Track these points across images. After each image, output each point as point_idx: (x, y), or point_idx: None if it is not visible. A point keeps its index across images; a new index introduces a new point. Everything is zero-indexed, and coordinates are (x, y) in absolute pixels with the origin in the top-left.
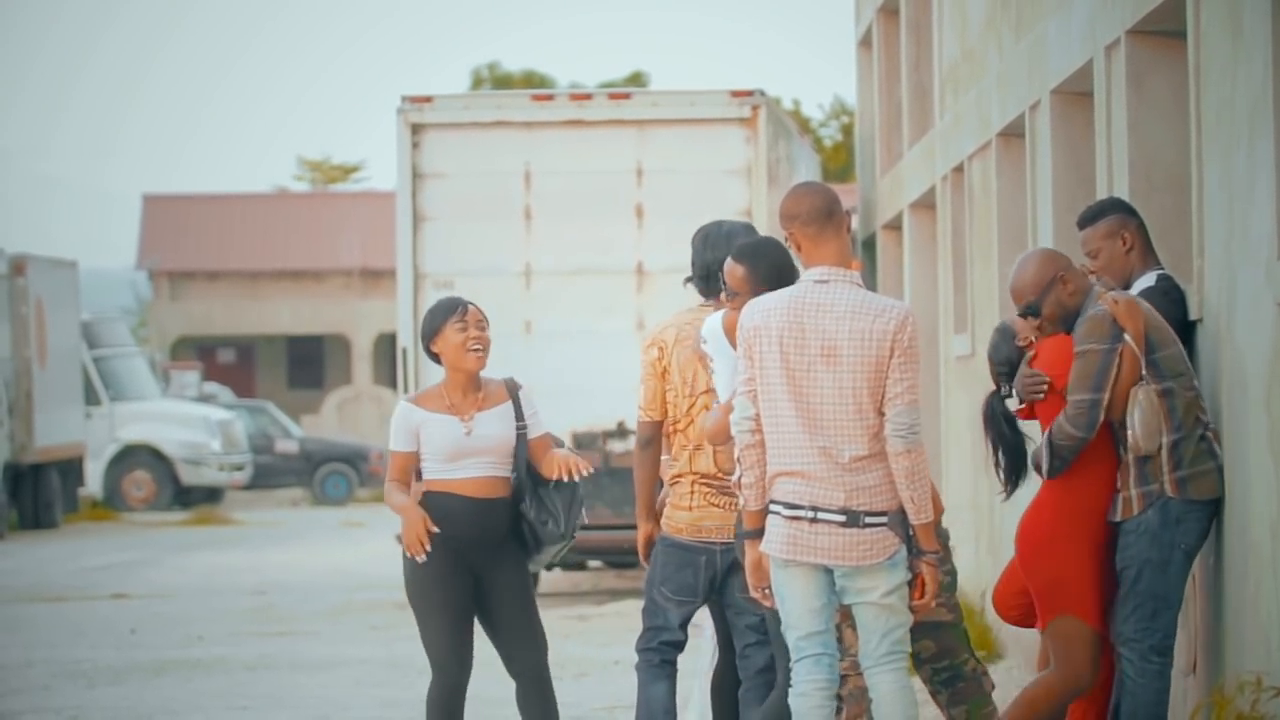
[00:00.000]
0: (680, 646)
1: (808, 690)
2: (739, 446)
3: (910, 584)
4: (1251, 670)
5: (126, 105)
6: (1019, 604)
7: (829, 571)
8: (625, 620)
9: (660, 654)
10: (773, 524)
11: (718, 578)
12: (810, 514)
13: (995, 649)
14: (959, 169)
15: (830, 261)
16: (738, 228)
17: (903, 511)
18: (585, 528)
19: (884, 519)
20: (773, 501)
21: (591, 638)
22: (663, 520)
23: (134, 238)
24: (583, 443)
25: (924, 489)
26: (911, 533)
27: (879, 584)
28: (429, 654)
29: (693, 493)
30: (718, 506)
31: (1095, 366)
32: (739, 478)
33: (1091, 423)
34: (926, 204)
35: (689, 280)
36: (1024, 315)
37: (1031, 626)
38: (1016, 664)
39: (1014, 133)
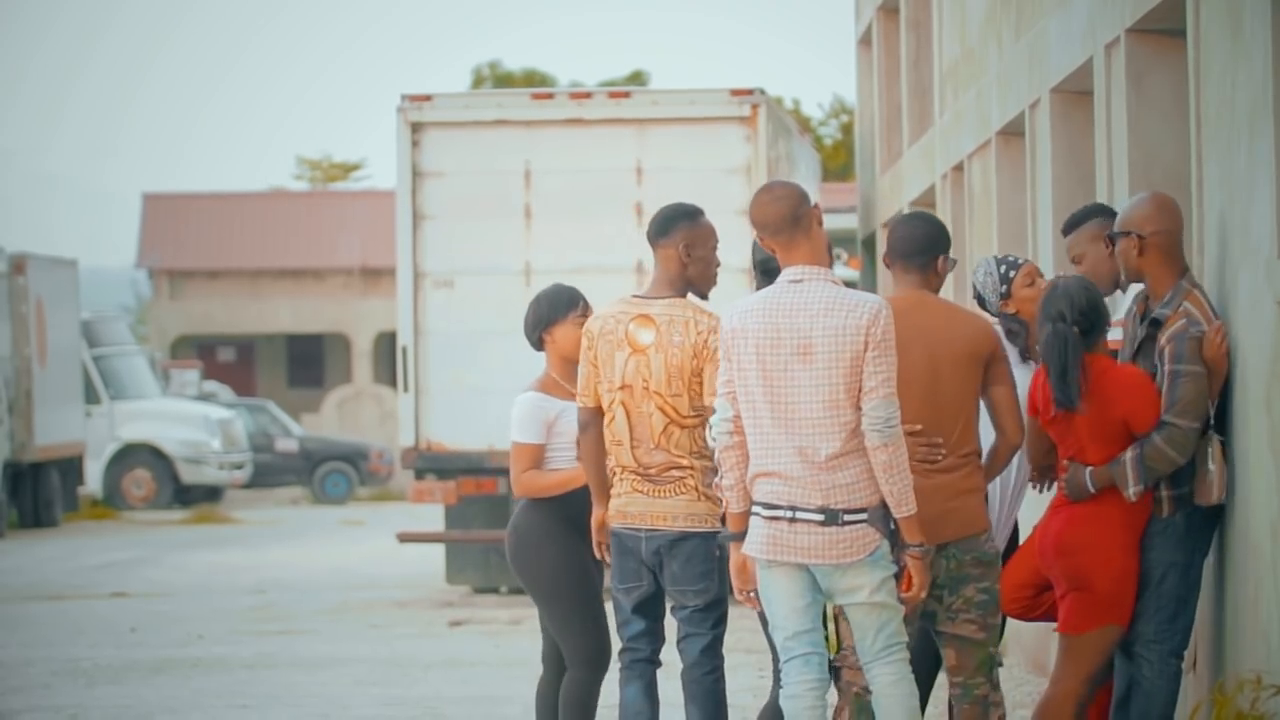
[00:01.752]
0: (649, 638)
1: (799, 691)
2: (719, 449)
3: (897, 577)
4: (1251, 669)
5: (126, 104)
6: (1020, 597)
7: (811, 570)
8: None
9: (631, 654)
10: (754, 525)
11: (648, 563)
12: (789, 514)
13: None
14: (958, 168)
15: (804, 262)
16: None
17: (883, 506)
18: None
19: (863, 515)
20: (754, 503)
21: None
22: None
23: (134, 236)
24: None
25: (904, 482)
26: (894, 526)
27: (864, 582)
28: (578, 646)
29: (620, 480)
30: (642, 493)
31: (1200, 394)
32: (720, 479)
33: (1192, 449)
34: (926, 202)
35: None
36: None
37: (1032, 619)
38: (1017, 661)
39: (1013, 131)
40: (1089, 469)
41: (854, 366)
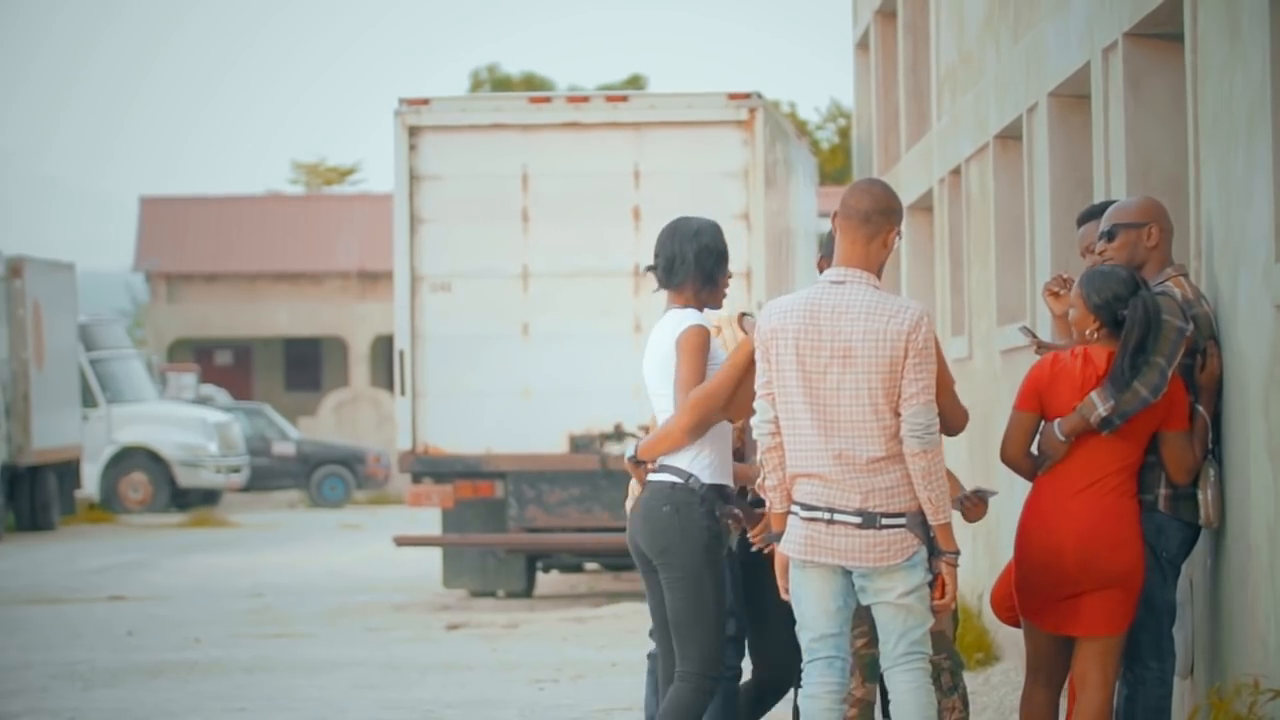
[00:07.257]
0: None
1: (818, 693)
2: (760, 449)
3: (931, 585)
4: (1249, 673)
5: (124, 107)
6: (1013, 605)
7: (848, 574)
8: (622, 623)
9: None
10: (791, 525)
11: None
12: (826, 515)
13: (992, 651)
14: (956, 172)
15: (852, 263)
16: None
17: (922, 513)
18: (583, 530)
19: (902, 520)
20: (792, 503)
21: (589, 640)
22: None
23: (131, 240)
24: (580, 445)
25: (941, 489)
26: (932, 534)
27: (897, 584)
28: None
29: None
30: None
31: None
32: (763, 480)
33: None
34: (924, 206)
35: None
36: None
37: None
38: (1014, 666)
39: (1011, 135)
40: (1057, 420)
41: (893, 372)
